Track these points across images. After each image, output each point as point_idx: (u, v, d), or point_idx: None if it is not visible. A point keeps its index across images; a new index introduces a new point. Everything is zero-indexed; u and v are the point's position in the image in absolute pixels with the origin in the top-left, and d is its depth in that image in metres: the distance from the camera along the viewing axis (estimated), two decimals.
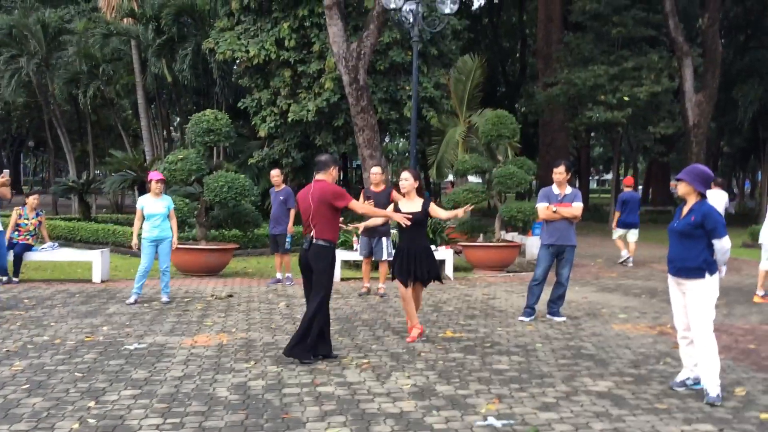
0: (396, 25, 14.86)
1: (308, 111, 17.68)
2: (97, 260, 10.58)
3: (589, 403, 4.90)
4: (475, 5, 37.45)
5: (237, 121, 21.04)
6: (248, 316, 7.92)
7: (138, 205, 8.87)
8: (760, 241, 9.54)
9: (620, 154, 36.86)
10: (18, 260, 10.38)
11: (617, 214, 13.56)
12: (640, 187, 49.08)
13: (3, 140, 41.44)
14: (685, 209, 5.17)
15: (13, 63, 25.45)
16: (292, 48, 17.99)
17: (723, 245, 5.01)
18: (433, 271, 6.71)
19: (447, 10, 13.15)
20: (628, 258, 13.48)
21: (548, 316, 7.97)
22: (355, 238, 10.92)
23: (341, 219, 6.39)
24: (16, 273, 10.36)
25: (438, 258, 8.91)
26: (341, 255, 10.47)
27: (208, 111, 11.91)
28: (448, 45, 19.69)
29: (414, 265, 6.54)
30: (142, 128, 25.16)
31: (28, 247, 10.58)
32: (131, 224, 15.84)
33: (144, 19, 22.14)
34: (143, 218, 8.71)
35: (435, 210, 6.65)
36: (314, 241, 5.91)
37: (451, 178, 25.66)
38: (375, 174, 9.43)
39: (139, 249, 8.84)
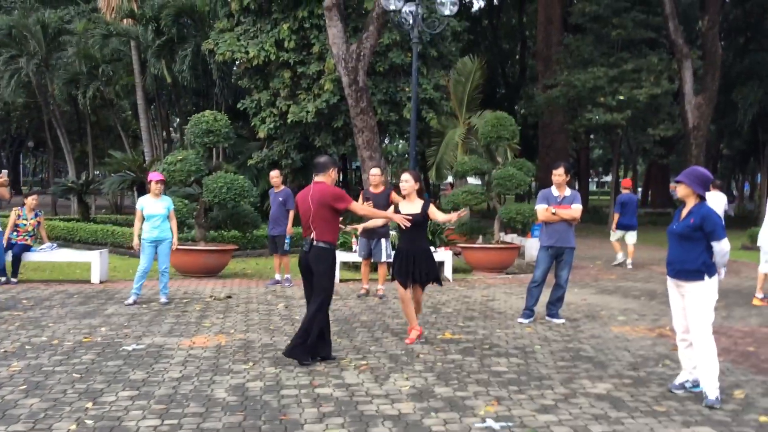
0: (396, 26, 14.87)
1: (308, 112, 17.69)
2: (95, 261, 10.57)
3: (587, 405, 4.89)
4: (475, 7, 37.51)
5: (236, 122, 21.04)
6: (247, 317, 7.91)
7: (138, 206, 8.86)
8: (758, 244, 9.54)
9: (620, 156, 36.88)
10: (16, 261, 10.37)
11: (617, 216, 13.54)
12: (640, 189, 49.14)
13: (2, 141, 41.44)
14: (684, 211, 5.16)
15: (13, 63, 25.46)
16: (292, 49, 18.00)
17: (722, 247, 5.01)
18: (432, 274, 6.68)
19: (447, 12, 13.16)
20: (626, 261, 13.48)
21: (547, 318, 7.97)
22: (354, 240, 10.91)
23: (340, 219, 6.37)
24: (15, 273, 10.34)
25: (437, 259, 8.91)
26: (340, 256, 10.46)
27: (207, 112, 11.91)
28: (448, 46, 19.70)
29: (413, 266, 6.53)
30: (141, 129, 25.16)
31: (27, 248, 10.57)
32: (130, 225, 15.89)
33: (144, 20, 22.15)
34: (143, 219, 8.70)
35: (433, 212, 6.63)
36: (315, 243, 5.89)
37: (450, 179, 25.66)
38: (374, 175, 9.43)
39: (140, 250, 8.83)
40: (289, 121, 18.00)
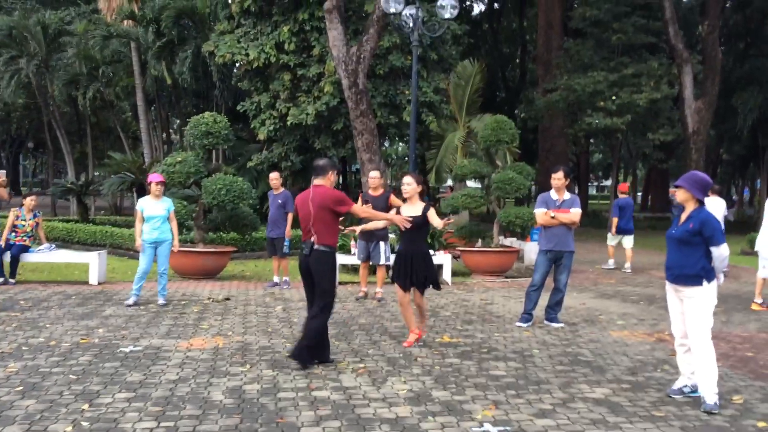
0: (396, 29, 14.87)
1: (307, 114, 17.69)
2: (94, 262, 10.55)
3: (585, 410, 4.88)
4: (476, 11, 37.53)
5: (236, 124, 21.03)
6: (245, 319, 7.89)
7: (138, 207, 8.85)
8: (756, 249, 9.53)
9: (619, 160, 36.90)
10: (15, 261, 10.35)
11: (615, 220, 13.53)
12: (639, 193, 49.16)
13: (2, 141, 41.44)
14: (684, 216, 5.16)
15: (13, 64, 25.48)
16: (292, 51, 18.01)
17: (721, 252, 5.00)
18: (431, 278, 6.62)
19: (447, 15, 13.16)
20: (624, 265, 13.48)
21: (546, 322, 7.95)
22: (352, 243, 10.90)
23: (340, 219, 6.35)
24: (13, 274, 10.32)
25: (436, 262, 8.88)
26: (339, 259, 10.43)
27: (207, 114, 11.90)
28: (448, 50, 19.71)
29: (411, 269, 6.50)
30: (141, 130, 25.17)
31: (25, 249, 10.55)
32: (129, 226, 15.88)
33: (144, 22, 22.17)
34: (143, 220, 8.68)
35: (432, 216, 6.59)
36: (315, 246, 5.87)
37: (450, 182, 25.68)
38: (373, 178, 9.42)
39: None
40: (288, 123, 18.00)
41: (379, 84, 18.09)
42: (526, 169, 13.07)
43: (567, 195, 7.86)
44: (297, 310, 8.48)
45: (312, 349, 5.82)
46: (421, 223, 6.53)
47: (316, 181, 6.06)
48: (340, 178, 28.94)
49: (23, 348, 6.30)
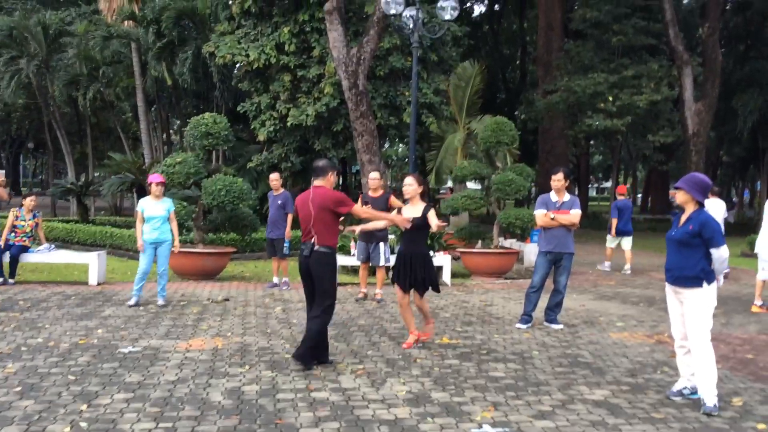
0: (396, 30, 14.88)
1: (307, 115, 17.69)
2: (93, 263, 10.54)
3: (585, 411, 4.87)
4: (476, 12, 37.58)
5: (236, 125, 21.04)
6: (244, 320, 7.88)
7: (138, 208, 8.84)
8: (756, 251, 9.53)
9: (620, 162, 36.90)
10: (14, 262, 10.34)
11: (614, 221, 13.53)
12: (639, 195, 49.15)
13: (2, 142, 41.46)
14: (683, 218, 5.15)
15: (14, 64, 25.50)
16: (292, 52, 18.02)
17: (721, 254, 4.99)
18: (429, 279, 6.56)
19: (447, 17, 13.16)
20: (624, 267, 13.49)
21: (545, 323, 7.94)
22: (352, 244, 10.89)
23: (340, 220, 6.33)
24: (12, 274, 10.32)
25: (436, 264, 8.88)
26: (338, 260, 10.43)
27: (206, 114, 11.90)
28: (448, 51, 19.72)
29: (410, 270, 6.49)
30: (141, 131, 25.19)
31: (25, 249, 10.54)
32: (129, 227, 15.87)
33: (144, 22, 22.18)
34: (144, 220, 8.68)
35: (431, 217, 6.57)
36: (315, 248, 5.85)
37: (449, 184, 25.68)
38: (373, 179, 9.41)
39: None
40: (288, 124, 18.00)
41: (380, 85, 18.10)
42: (526, 170, 13.07)
43: (567, 196, 7.85)
44: (296, 311, 8.47)
45: (315, 352, 5.81)
46: (421, 224, 6.51)
47: (316, 182, 6.05)
48: (340, 179, 28.95)
49: (22, 348, 6.29)
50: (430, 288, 6.63)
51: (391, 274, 7.09)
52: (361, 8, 18.03)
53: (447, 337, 7.19)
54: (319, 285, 5.87)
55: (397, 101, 18.23)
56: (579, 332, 7.64)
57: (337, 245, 6.28)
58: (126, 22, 23.22)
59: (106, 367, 5.73)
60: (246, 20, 18.89)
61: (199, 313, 8.27)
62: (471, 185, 19.43)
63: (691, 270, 5.00)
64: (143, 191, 18.33)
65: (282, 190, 10.61)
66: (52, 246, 11.37)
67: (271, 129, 18.67)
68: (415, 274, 6.46)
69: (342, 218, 6.19)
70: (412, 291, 6.57)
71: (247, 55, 18.03)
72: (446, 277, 11.22)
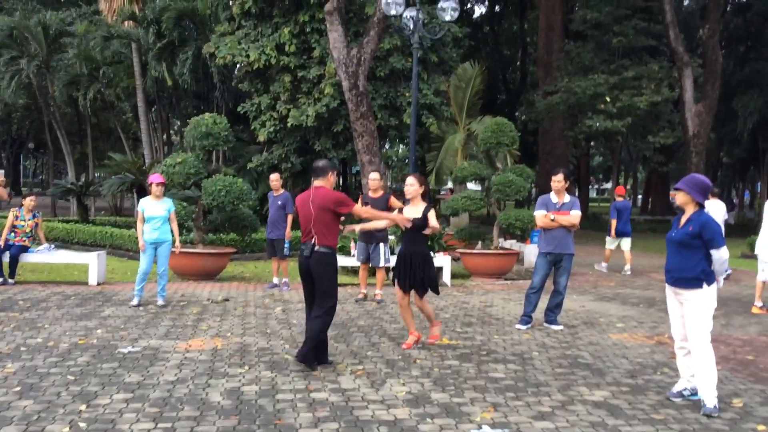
0: (396, 31, 14.88)
1: (308, 116, 17.69)
2: (93, 263, 10.54)
3: (585, 412, 4.87)
4: (476, 13, 37.59)
5: (236, 126, 21.05)
6: (244, 320, 7.88)
7: (139, 208, 8.85)
8: (756, 252, 9.52)
9: (620, 163, 36.91)
10: (14, 262, 10.34)
11: (614, 222, 13.54)
12: (640, 196, 49.15)
13: (3, 142, 41.47)
14: (683, 219, 5.15)
15: (14, 65, 25.51)
16: (293, 53, 18.02)
17: (721, 255, 4.98)
18: (428, 279, 6.51)
19: (447, 18, 13.16)
20: (624, 267, 13.50)
21: (545, 324, 7.94)
22: (352, 244, 10.89)
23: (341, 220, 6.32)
24: (12, 274, 10.31)
25: (436, 264, 8.87)
26: (338, 261, 10.43)
27: (206, 114, 11.90)
28: (449, 52, 19.73)
29: (410, 270, 6.48)
30: (141, 131, 25.19)
31: (25, 249, 10.54)
32: (129, 227, 15.87)
33: (145, 23, 22.19)
34: (144, 220, 8.68)
35: (431, 217, 6.56)
36: (316, 248, 5.84)
37: (450, 185, 25.67)
38: (373, 180, 9.41)
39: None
40: (289, 124, 18.00)
41: (380, 86, 18.10)
42: (526, 171, 13.07)
43: (567, 197, 7.85)
44: (296, 311, 8.46)
45: (315, 351, 5.81)
46: (421, 224, 6.50)
47: (316, 183, 6.04)
48: (340, 180, 28.95)
49: (21, 348, 6.28)
50: (429, 289, 6.63)
51: (391, 274, 7.09)
52: (361, 9, 18.03)
53: (447, 337, 7.18)
54: (320, 285, 5.86)
55: (397, 102, 18.23)
56: (579, 333, 7.64)
57: (338, 246, 6.27)
58: (126, 23, 23.23)
59: (105, 367, 5.72)
60: (246, 21, 18.89)
61: (199, 313, 8.26)
62: (471, 186, 19.43)
63: (691, 271, 5.00)
64: (143, 191, 18.32)
65: (282, 190, 10.60)
66: (52, 246, 11.37)
67: (272, 129, 18.67)
68: (414, 274, 6.44)
69: (343, 219, 6.18)
70: (412, 292, 6.57)
71: (248, 56, 18.03)
72: (446, 277, 11.21)
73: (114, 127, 30.60)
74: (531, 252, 13.57)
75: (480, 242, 13.12)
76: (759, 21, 29.12)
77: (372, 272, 10.01)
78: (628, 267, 13.47)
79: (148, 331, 7.18)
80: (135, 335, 6.95)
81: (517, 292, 10.60)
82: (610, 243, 13.81)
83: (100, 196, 24.54)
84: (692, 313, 5.01)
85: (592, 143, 37.05)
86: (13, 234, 10.48)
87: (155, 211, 8.70)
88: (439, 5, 13.14)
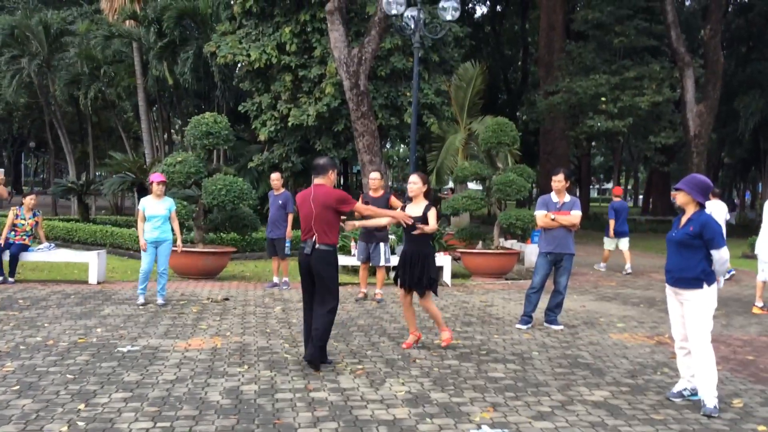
0: (397, 31, 14.86)
1: (308, 116, 17.69)
2: (93, 261, 10.54)
3: (584, 412, 4.86)
4: (478, 13, 37.56)
5: (237, 125, 21.05)
6: (243, 320, 7.87)
7: (140, 206, 8.85)
8: (755, 252, 9.51)
9: (621, 163, 36.88)
10: (14, 260, 10.34)
11: (612, 222, 13.55)
12: (641, 196, 49.12)
13: (4, 140, 41.49)
14: (684, 219, 5.13)
15: (15, 64, 25.53)
16: (294, 52, 18.01)
17: (721, 255, 4.97)
18: (426, 279, 6.44)
19: (448, 17, 13.14)
20: (624, 267, 13.50)
21: (545, 324, 7.93)
22: (353, 243, 10.88)
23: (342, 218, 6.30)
24: (12, 273, 10.31)
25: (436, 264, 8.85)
26: (339, 260, 10.41)
27: (207, 114, 11.90)
28: (450, 52, 19.71)
29: (409, 269, 6.46)
30: (142, 130, 25.20)
31: (25, 248, 10.54)
32: (130, 226, 15.86)
33: (146, 22, 22.19)
34: (145, 219, 8.67)
35: (430, 216, 6.54)
36: (317, 246, 5.83)
37: (450, 184, 25.66)
38: (374, 179, 9.40)
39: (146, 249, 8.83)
40: (289, 124, 18.00)
41: (381, 85, 18.08)
42: (527, 171, 13.06)
43: (567, 197, 7.84)
44: (296, 311, 8.45)
45: (323, 350, 5.80)
46: (422, 223, 6.48)
47: (317, 180, 6.03)
48: (341, 180, 28.95)
49: (21, 347, 6.28)
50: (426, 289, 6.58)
51: (392, 274, 7.07)
52: (362, 8, 18.02)
53: None
54: (321, 283, 5.85)
55: (398, 102, 18.22)
56: (579, 333, 7.63)
57: (338, 245, 6.26)
58: (127, 22, 23.22)
59: (104, 366, 5.72)
60: (247, 20, 18.89)
61: (199, 312, 8.26)
62: (472, 186, 19.42)
63: (691, 271, 4.99)
64: (144, 190, 18.31)
65: (283, 189, 10.60)
66: (52, 245, 11.37)
67: (272, 129, 18.67)
68: (412, 273, 6.42)
69: (344, 217, 6.17)
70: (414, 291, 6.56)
71: (248, 55, 18.03)
72: (447, 277, 11.20)
73: (115, 126, 30.61)
74: (531, 252, 13.55)
75: (480, 242, 13.11)
76: (761, 21, 29.08)
77: (372, 272, 10.00)
78: (628, 266, 13.47)
79: (148, 330, 7.17)
80: (134, 334, 6.94)
81: (517, 291, 10.59)
82: (609, 243, 13.82)
83: (101, 195, 24.53)
84: (692, 313, 5.00)
85: (593, 143, 37.02)
86: (13, 233, 10.49)
87: (156, 210, 8.70)
88: (440, 5, 13.12)
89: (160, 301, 8.69)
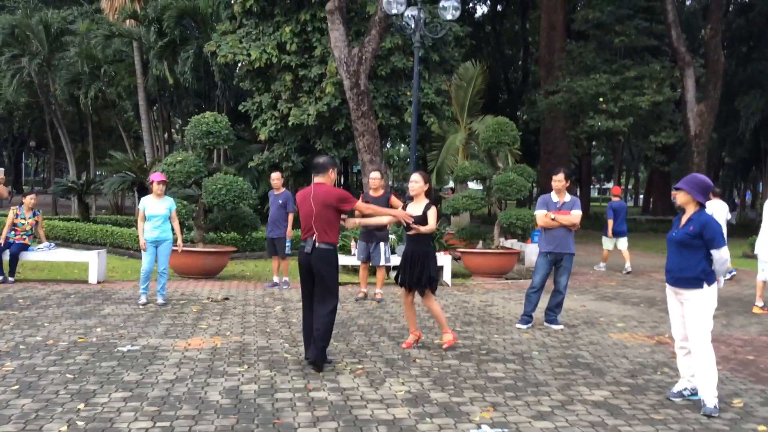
0: (398, 30, 14.86)
1: (309, 115, 17.68)
2: (93, 261, 10.54)
3: (584, 412, 4.85)
4: (478, 12, 37.54)
5: (238, 125, 21.05)
6: (243, 319, 7.87)
7: (140, 206, 8.85)
8: (755, 252, 9.50)
9: (621, 163, 36.86)
10: (14, 260, 10.34)
11: (611, 222, 13.55)
12: (642, 196, 49.10)
13: (4, 140, 41.50)
14: (684, 219, 5.13)
15: (15, 63, 25.53)
16: (294, 52, 18.01)
17: (721, 255, 4.97)
18: (425, 279, 6.41)
19: (449, 17, 13.14)
20: (624, 266, 13.50)
21: (546, 323, 7.92)
22: (353, 243, 10.88)
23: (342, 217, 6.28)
24: (12, 273, 10.31)
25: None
26: (339, 259, 10.41)
27: (207, 113, 11.89)
28: (450, 51, 19.70)
29: (409, 268, 6.45)
30: (143, 130, 25.20)
31: (25, 247, 10.54)
32: (130, 226, 15.86)
33: (146, 21, 22.19)
34: (145, 218, 8.67)
35: (430, 216, 6.52)
36: (317, 245, 5.83)
37: (451, 184, 25.65)
38: (374, 179, 9.40)
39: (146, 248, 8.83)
40: (290, 123, 18.00)
41: (381, 85, 18.08)
42: (527, 170, 13.05)
43: (567, 197, 7.84)
44: (296, 310, 8.45)
45: (325, 350, 5.80)
46: (422, 221, 6.47)
47: (317, 179, 6.02)
48: (342, 179, 28.94)
49: (20, 346, 6.28)
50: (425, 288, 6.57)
51: (392, 273, 7.07)
52: (362, 8, 18.01)
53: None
54: (321, 282, 5.84)
55: (398, 101, 18.21)
56: (579, 333, 7.62)
57: (338, 243, 6.25)
58: (128, 21, 23.22)
59: (104, 365, 5.71)
60: (248, 19, 18.88)
61: (199, 312, 8.25)
62: (472, 185, 19.41)
63: (691, 271, 4.98)
64: (144, 190, 18.31)
65: (283, 189, 10.59)
66: (53, 244, 11.37)
67: (273, 128, 18.66)
68: (412, 272, 6.42)
69: (344, 216, 6.16)
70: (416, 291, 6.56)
71: (249, 55, 18.02)
72: (447, 277, 11.19)
73: (115, 126, 30.60)
74: (532, 251, 13.55)
75: (481, 241, 13.11)
76: (761, 21, 29.06)
77: (372, 271, 9.99)
78: (628, 265, 13.47)
79: (148, 329, 7.17)
80: (134, 334, 6.94)
81: (517, 291, 10.58)
82: (607, 243, 13.82)
83: (101, 194, 24.53)
84: (692, 313, 4.99)
85: (593, 143, 37.01)
86: (13, 232, 10.48)
87: (156, 210, 8.70)
88: (441, 4, 13.12)
89: (160, 300, 8.69)
